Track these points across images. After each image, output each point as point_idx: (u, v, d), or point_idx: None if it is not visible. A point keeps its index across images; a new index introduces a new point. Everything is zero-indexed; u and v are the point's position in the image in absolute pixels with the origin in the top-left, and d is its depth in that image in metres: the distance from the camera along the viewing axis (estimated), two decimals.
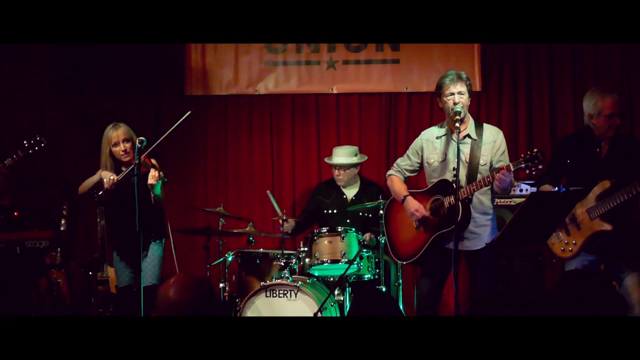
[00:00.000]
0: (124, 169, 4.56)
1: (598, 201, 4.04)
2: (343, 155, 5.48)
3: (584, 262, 4.12)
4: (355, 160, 5.48)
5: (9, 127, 5.91)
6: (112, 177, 4.46)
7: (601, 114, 4.07)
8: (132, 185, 4.20)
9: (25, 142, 4.98)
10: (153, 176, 4.41)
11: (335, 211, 5.50)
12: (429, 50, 5.92)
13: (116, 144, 4.55)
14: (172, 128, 4.46)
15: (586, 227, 4.08)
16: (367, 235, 5.18)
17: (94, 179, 4.62)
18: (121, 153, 4.55)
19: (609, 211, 4.00)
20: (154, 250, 4.66)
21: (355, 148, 5.57)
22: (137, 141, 4.31)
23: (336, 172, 5.49)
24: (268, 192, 5.42)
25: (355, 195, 5.52)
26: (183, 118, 4.46)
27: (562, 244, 4.15)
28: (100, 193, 4.50)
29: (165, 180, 4.49)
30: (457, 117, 4.00)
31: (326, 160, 5.61)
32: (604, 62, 5.76)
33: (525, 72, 5.88)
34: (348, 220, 5.34)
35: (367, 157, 5.60)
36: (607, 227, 4.02)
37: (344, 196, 5.54)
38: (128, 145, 4.53)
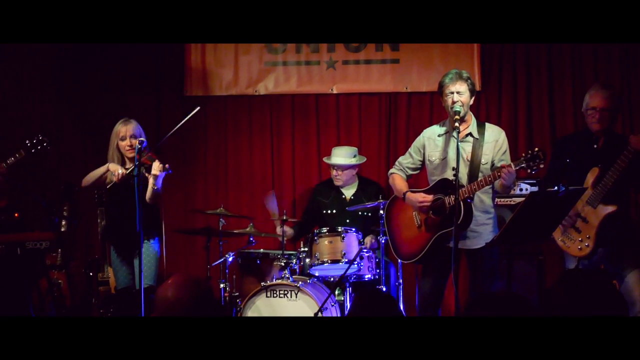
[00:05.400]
0: (128, 165, 4.57)
1: (594, 188, 4.04)
2: (342, 156, 5.48)
3: (583, 261, 4.12)
4: (353, 161, 5.47)
5: (8, 127, 5.90)
6: (121, 171, 4.51)
7: (587, 107, 4.17)
8: (131, 185, 4.22)
9: (27, 142, 4.98)
10: (157, 167, 4.43)
11: (334, 211, 5.50)
12: (429, 50, 5.91)
13: (123, 138, 4.60)
14: (181, 123, 4.51)
15: (593, 218, 4.05)
16: (367, 240, 5.18)
17: (100, 170, 4.65)
18: (127, 148, 4.57)
19: (607, 193, 3.99)
20: (150, 251, 4.65)
21: (354, 149, 5.57)
22: (137, 142, 4.33)
23: (334, 172, 5.49)
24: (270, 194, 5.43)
25: (353, 195, 5.52)
26: (192, 113, 4.48)
27: (577, 242, 4.09)
28: (109, 186, 4.56)
29: (170, 171, 4.50)
30: (457, 116, 4.02)
31: (325, 159, 5.61)
32: (604, 59, 5.74)
33: (525, 70, 5.87)
34: (347, 220, 5.34)
35: (365, 159, 5.60)
36: (611, 208, 4.00)
37: (343, 196, 5.54)
38: (135, 141, 4.51)
